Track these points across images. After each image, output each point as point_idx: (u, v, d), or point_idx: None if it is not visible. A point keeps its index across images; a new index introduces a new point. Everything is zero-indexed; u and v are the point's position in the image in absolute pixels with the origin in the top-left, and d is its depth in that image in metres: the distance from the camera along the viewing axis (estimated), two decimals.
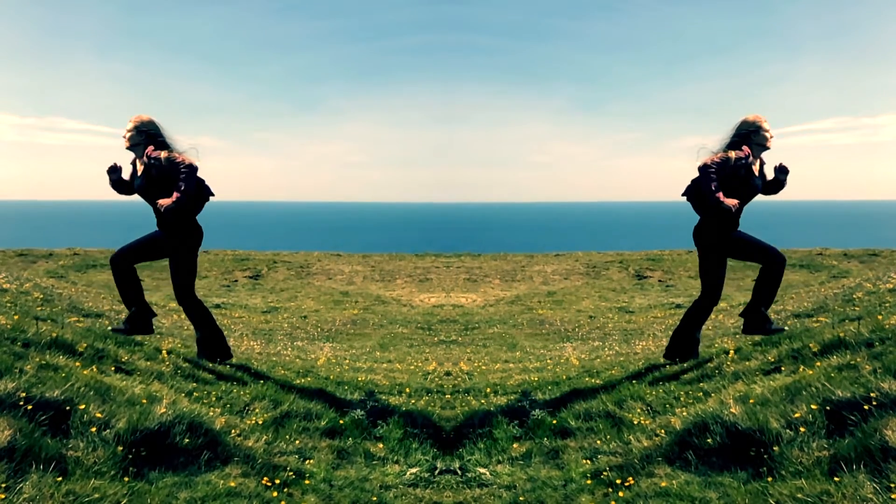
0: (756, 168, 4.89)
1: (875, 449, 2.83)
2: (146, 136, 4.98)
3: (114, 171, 5.15)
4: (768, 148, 4.90)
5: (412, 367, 5.99)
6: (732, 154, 4.76)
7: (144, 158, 4.94)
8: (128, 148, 5.05)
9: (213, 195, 5.17)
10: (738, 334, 6.28)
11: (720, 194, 4.70)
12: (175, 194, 4.85)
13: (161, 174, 4.90)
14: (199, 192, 5.04)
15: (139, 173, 5.00)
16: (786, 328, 5.17)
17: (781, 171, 5.00)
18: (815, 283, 11.37)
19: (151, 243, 5.10)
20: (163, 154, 4.90)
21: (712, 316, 8.24)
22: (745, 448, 3.18)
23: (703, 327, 7.37)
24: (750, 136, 4.83)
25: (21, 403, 3.19)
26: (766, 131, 4.85)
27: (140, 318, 5.21)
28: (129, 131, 5.00)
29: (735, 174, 4.77)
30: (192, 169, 4.91)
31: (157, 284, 12.29)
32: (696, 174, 4.83)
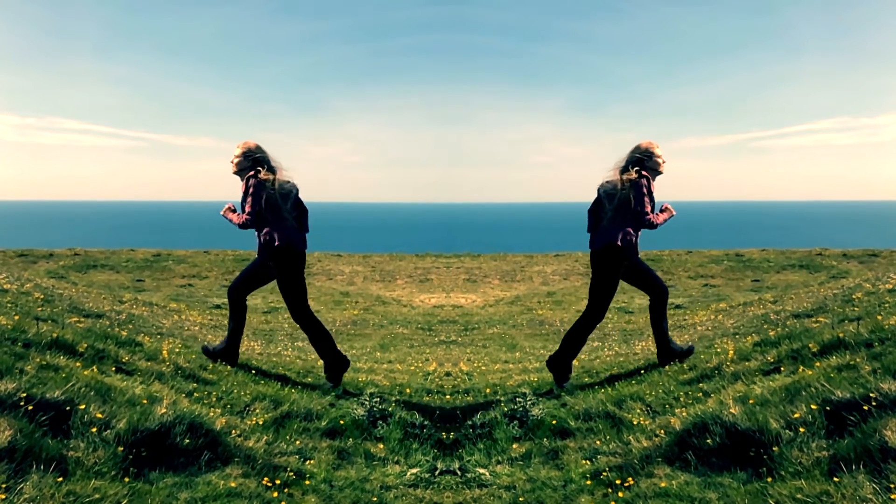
0: (654, 187, 5.10)
1: (874, 449, 2.84)
2: (253, 161, 5.07)
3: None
4: (661, 173, 5.11)
5: (412, 368, 6.00)
6: (639, 179, 4.95)
7: (245, 183, 5.05)
8: (234, 172, 5.14)
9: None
10: (737, 334, 6.28)
11: (655, 217, 5.04)
12: (238, 217, 5.07)
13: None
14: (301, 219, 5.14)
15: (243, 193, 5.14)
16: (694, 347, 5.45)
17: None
18: (814, 283, 11.38)
19: (256, 270, 5.23)
20: (263, 176, 4.99)
21: (711, 316, 8.24)
22: (745, 448, 3.18)
23: (703, 327, 7.38)
24: (644, 161, 5.03)
25: (21, 404, 3.20)
26: (659, 157, 5.06)
27: (228, 352, 5.31)
28: (237, 157, 5.09)
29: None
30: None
31: (157, 285, 12.29)
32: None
